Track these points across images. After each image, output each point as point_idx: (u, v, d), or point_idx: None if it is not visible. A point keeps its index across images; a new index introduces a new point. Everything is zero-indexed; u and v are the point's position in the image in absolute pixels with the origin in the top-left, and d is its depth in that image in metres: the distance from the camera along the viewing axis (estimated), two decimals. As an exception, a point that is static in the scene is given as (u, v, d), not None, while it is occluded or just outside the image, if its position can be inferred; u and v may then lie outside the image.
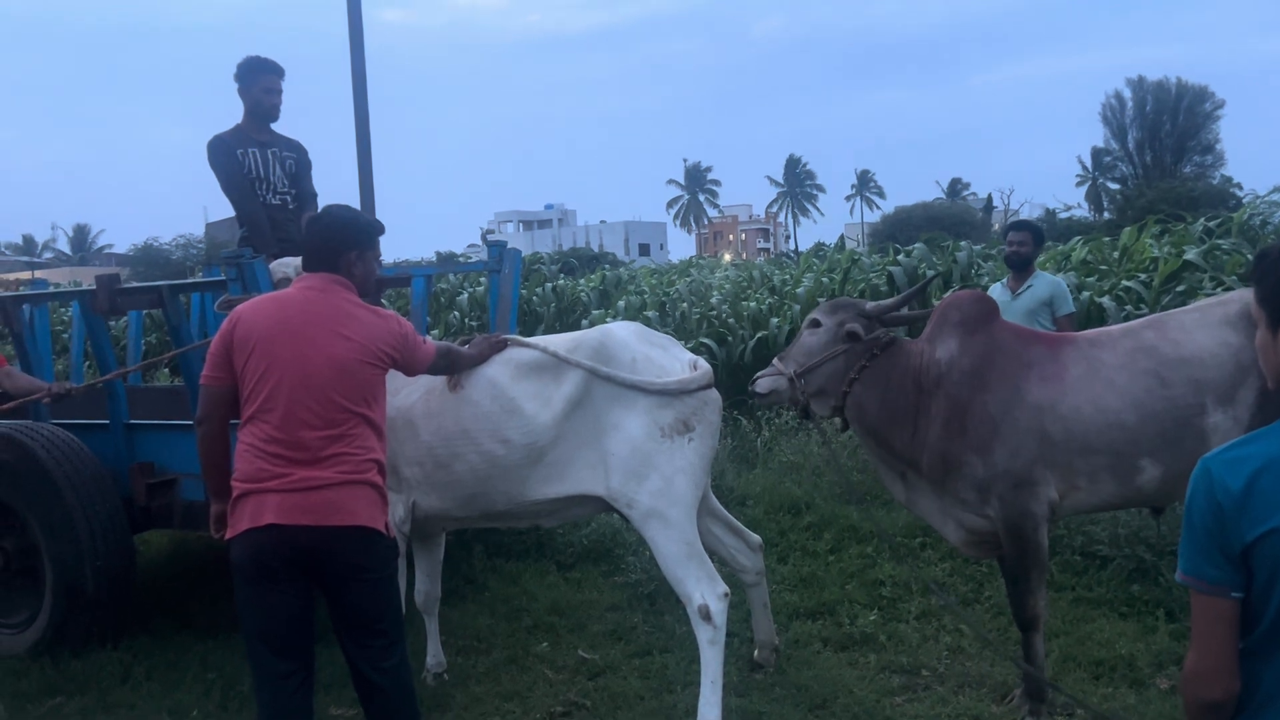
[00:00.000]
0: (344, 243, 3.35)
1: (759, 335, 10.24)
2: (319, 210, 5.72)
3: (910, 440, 3.99)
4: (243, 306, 3.35)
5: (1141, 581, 5.18)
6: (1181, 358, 3.76)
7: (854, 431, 4.24)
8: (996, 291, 6.27)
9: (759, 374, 4.23)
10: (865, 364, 4.03)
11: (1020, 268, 6.13)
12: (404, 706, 3.35)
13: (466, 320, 13.13)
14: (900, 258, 10.60)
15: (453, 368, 4.00)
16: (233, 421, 3.32)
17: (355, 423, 3.22)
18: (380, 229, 3.54)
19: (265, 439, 3.16)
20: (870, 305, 4.18)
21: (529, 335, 4.34)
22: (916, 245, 11.06)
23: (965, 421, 3.84)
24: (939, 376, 3.95)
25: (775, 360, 4.23)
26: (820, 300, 10.51)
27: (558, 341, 4.14)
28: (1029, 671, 3.90)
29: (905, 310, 4.26)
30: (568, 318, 13.38)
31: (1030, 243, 6.14)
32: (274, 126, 5.70)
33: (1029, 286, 6.05)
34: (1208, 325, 3.82)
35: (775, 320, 10.35)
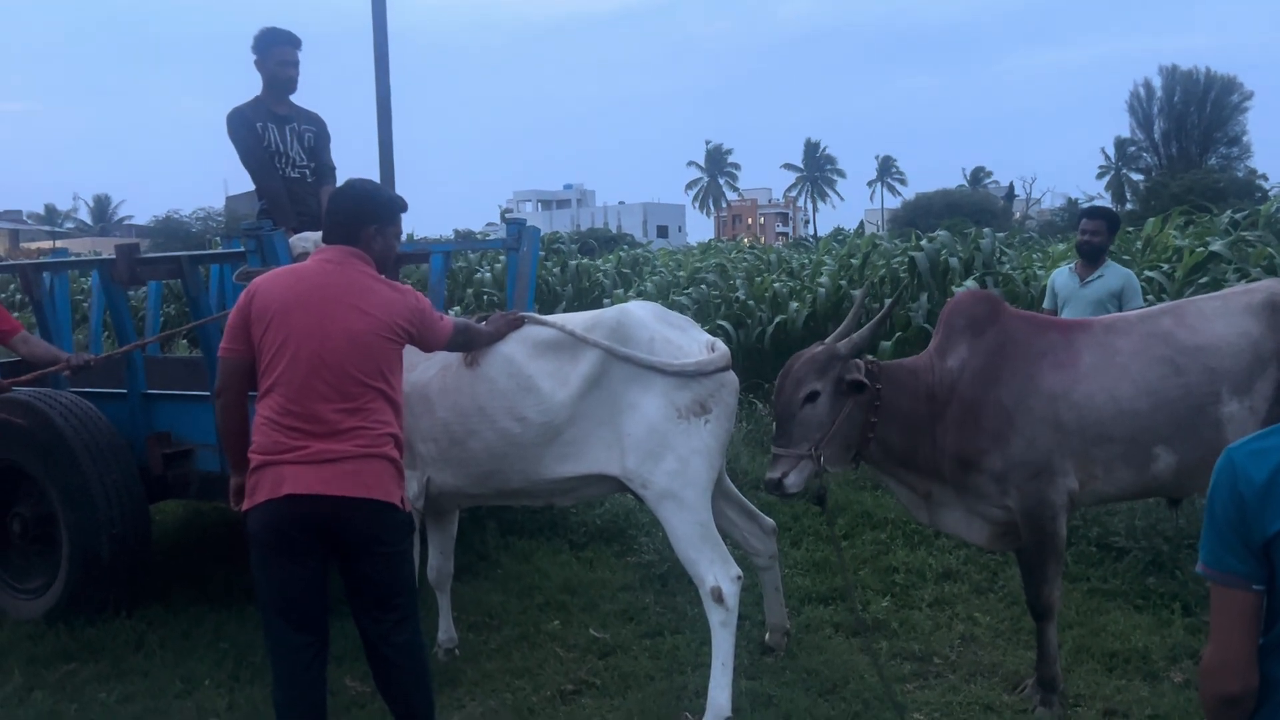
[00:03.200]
0: (364, 216, 3.34)
1: (778, 319, 10.20)
2: (338, 184, 5.72)
3: (932, 451, 3.93)
4: (260, 279, 3.35)
5: (1157, 574, 5.15)
6: (1198, 345, 3.73)
7: (875, 469, 4.13)
8: (1063, 277, 6.15)
9: (774, 472, 3.86)
10: (877, 402, 3.89)
11: (1092, 257, 5.97)
12: (417, 680, 3.37)
13: (485, 298, 13.13)
14: (923, 243, 10.49)
15: (470, 345, 3.99)
16: (251, 393, 3.32)
17: (372, 396, 3.22)
18: (402, 205, 3.52)
19: (282, 412, 3.16)
20: (844, 346, 3.91)
21: (547, 314, 4.32)
22: (940, 231, 10.95)
23: (980, 417, 3.81)
24: (952, 384, 3.89)
25: (776, 448, 3.90)
26: (842, 284, 10.49)
27: (575, 320, 4.13)
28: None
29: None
30: (585, 298, 13.37)
31: (1104, 231, 5.99)
32: (294, 99, 5.68)
33: (1099, 276, 5.90)
34: (1228, 314, 3.79)
35: (795, 305, 10.30)
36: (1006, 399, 3.79)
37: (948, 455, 3.89)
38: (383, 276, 3.40)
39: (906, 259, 10.23)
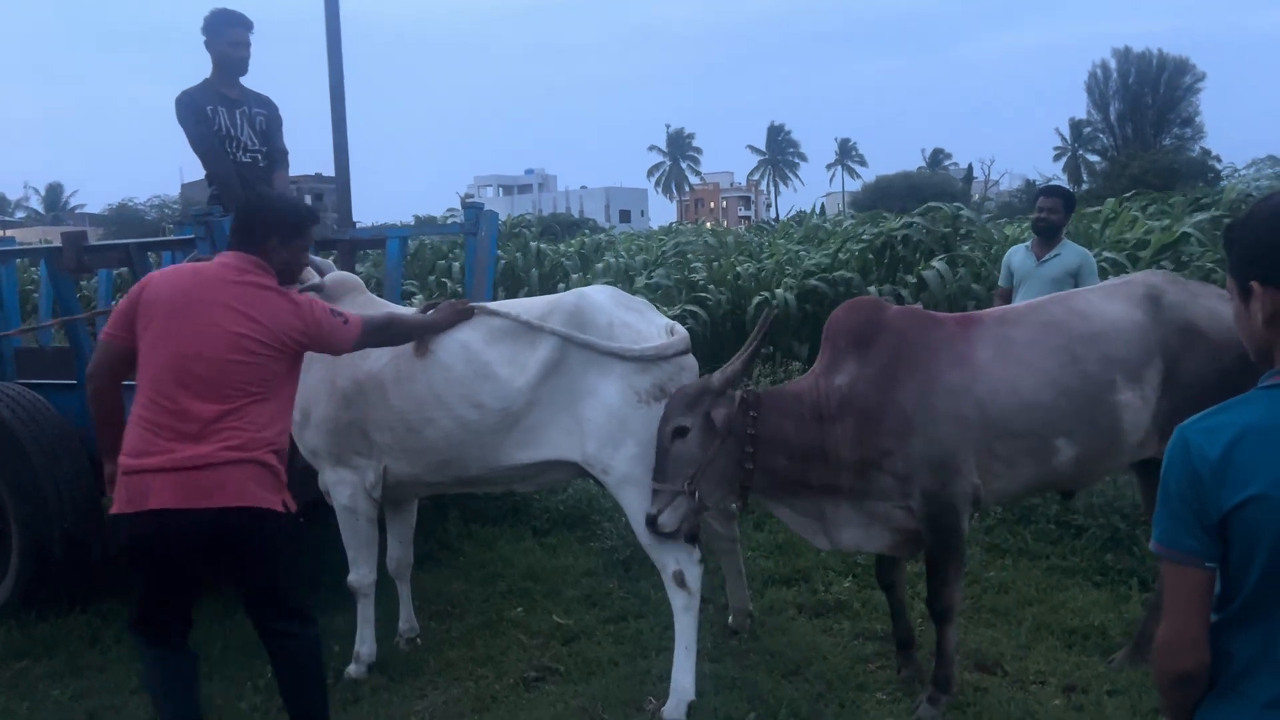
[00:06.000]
0: (268, 228, 3.32)
1: (738, 300, 10.20)
2: (290, 169, 5.64)
3: (825, 468, 3.77)
4: (156, 273, 3.33)
5: (1115, 551, 5.21)
6: (1093, 333, 3.72)
7: (762, 499, 3.98)
8: (1020, 255, 6.13)
9: (651, 508, 3.71)
10: (753, 432, 3.71)
11: (1048, 235, 5.96)
12: (311, 677, 3.37)
13: (451, 285, 13.01)
14: (899, 225, 10.46)
15: (395, 339, 3.91)
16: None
17: (249, 402, 3.15)
18: (312, 219, 3.48)
19: (154, 408, 3.11)
20: (717, 379, 3.74)
21: (509, 298, 4.26)
22: (916, 219, 10.81)
23: (881, 419, 3.67)
24: (844, 399, 3.73)
25: (654, 483, 3.73)
26: (809, 276, 10.51)
27: (533, 305, 4.08)
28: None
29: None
30: (548, 282, 13.29)
31: (1060, 209, 5.97)
32: (245, 83, 5.58)
33: (1056, 255, 5.89)
34: (1115, 302, 3.80)
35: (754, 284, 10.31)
36: (906, 399, 3.66)
37: (846, 465, 3.73)
38: (284, 289, 3.35)
39: (877, 244, 10.26)
